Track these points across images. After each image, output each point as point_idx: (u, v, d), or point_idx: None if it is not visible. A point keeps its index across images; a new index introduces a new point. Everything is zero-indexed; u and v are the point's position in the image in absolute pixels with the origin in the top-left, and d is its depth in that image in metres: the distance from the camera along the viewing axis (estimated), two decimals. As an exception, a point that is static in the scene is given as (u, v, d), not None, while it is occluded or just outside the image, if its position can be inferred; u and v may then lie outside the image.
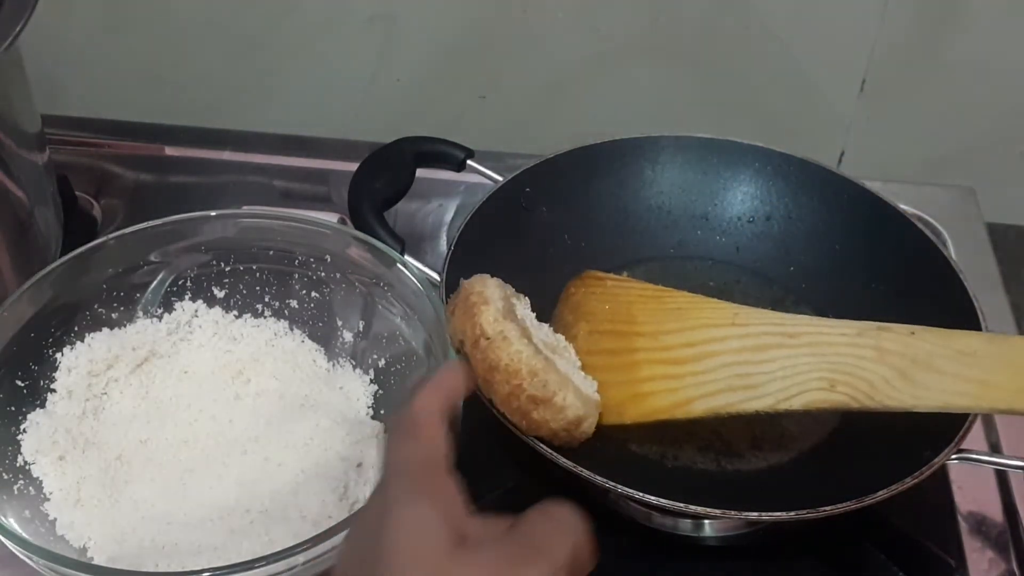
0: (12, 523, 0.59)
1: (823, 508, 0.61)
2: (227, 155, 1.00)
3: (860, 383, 0.62)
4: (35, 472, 0.64)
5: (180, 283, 0.72)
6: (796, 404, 0.63)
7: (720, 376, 0.65)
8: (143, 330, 0.71)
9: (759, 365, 0.65)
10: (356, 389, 0.71)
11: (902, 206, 0.80)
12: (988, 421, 0.79)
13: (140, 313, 0.72)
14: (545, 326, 0.68)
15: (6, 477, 0.62)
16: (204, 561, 0.59)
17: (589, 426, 0.63)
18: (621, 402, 0.67)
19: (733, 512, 0.62)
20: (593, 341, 0.70)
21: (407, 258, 0.70)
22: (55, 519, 0.62)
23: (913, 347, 0.62)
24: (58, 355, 0.68)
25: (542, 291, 0.80)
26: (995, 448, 0.77)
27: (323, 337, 0.73)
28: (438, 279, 0.73)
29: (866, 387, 0.62)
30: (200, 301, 0.73)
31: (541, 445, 0.63)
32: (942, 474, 0.74)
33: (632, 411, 0.67)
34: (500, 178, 0.81)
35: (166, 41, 1.04)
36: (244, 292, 0.73)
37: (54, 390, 0.67)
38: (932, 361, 0.61)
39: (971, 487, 0.74)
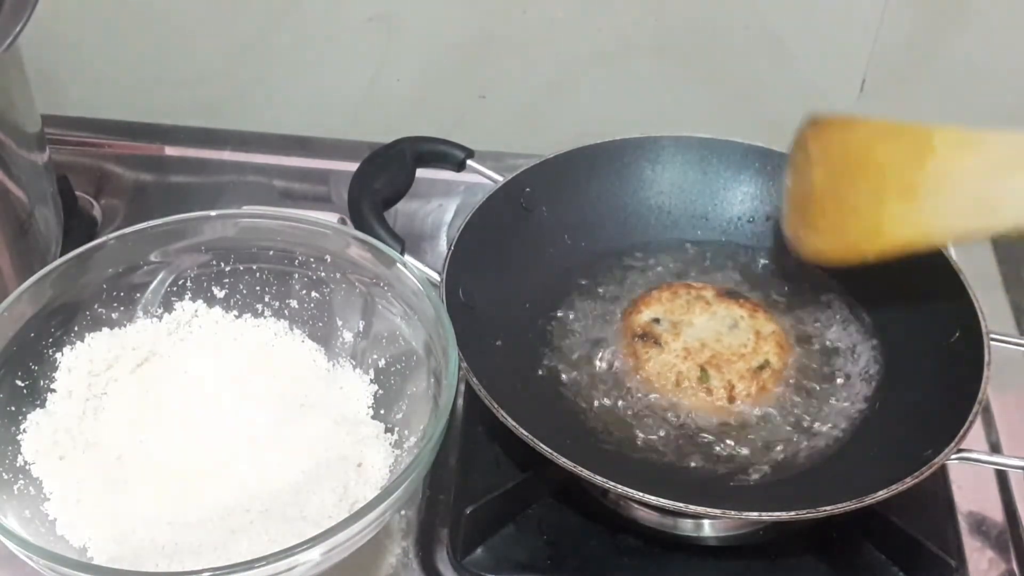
0: (12, 523, 0.59)
1: (823, 508, 0.61)
2: (227, 155, 1.00)
3: None
4: (35, 472, 0.63)
5: (180, 283, 0.72)
6: None
7: (959, 203, 0.65)
8: (143, 330, 0.71)
9: (999, 187, 0.64)
10: (356, 389, 0.71)
11: (902, 206, 0.80)
12: (988, 421, 0.79)
13: (140, 313, 0.72)
14: None
15: (6, 477, 0.62)
16: (204, 561, 0.59)
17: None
18: (861, 239, 0.68)
19: (733, 512, 0.62)
20: (830, 183, 0.70)
21: (407, 258, 0.70)
22: (55, 519, 0.62)
23: None
24: (58, 355, 0.68)
25: (542, 291, 0.80)
26: (995, 448, 0.77)
27: (323, 337, 0.73)
28: (438, 279, 0.73)
29: None
30: (200, 301, 0.73)
31: (541, 445, 0.64)
32: (942, 474, 0.74)
33: (873, 246, 0.68)
34: (500, 178, 0.81)
35: (166, 41, 1.04)
36: (244, 292, 0.73)
37: (54, 390, 0.67)
38: None
39: (971, 487, 0.74)
